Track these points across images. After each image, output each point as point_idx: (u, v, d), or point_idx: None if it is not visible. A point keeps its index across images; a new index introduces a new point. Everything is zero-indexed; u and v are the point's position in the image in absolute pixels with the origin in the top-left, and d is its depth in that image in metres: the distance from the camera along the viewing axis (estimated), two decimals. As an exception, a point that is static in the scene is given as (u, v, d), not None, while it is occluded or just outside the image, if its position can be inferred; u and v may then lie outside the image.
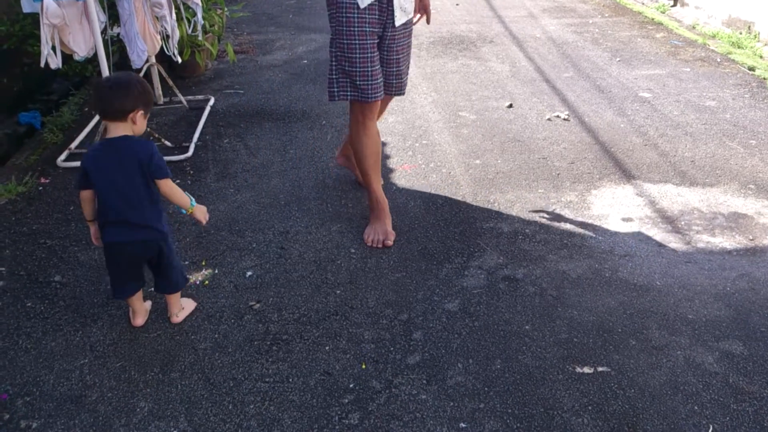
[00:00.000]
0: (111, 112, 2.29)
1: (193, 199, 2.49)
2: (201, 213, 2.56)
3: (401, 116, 4.67)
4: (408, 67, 3.22)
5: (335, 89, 3.01)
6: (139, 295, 2.58)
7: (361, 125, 3.10)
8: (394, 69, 3.11)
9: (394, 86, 3.18)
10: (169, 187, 2.39)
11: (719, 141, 4.21)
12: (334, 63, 2.98)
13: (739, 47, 6.06)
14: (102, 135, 2.39)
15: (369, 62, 2.90)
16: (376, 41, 2.95)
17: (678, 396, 2.24)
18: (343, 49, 2.90)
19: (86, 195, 2.38)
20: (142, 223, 2.36)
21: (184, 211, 2.50)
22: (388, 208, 3.24)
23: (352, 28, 2.83)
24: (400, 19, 2.95)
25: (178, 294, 2.61)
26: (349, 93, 2.99)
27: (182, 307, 2.65)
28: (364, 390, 2.29)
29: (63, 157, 4.03)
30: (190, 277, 2.90)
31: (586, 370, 2.36)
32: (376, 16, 2.88)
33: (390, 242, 3.11)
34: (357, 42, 2.86)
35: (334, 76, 3.00)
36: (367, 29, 2.86)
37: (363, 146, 3.14)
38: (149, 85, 2.42)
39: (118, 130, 2.32)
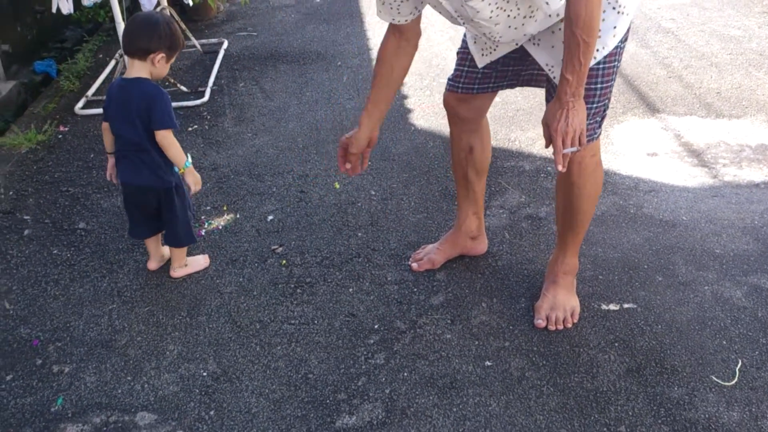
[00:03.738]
0: (133, 50, 2.28)
1: (189, 161, 2.38)
2: (192, 177, 2.40)
3: (418, 55, 4.56)
4: None
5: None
6: (156, 238, 2.59)
7: None
8: None
9: None
10: (164, 138, 2.30)
11: (745, 71, 4.10)
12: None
13: (766, -27, 5.85)
14: (125, 71, 2.36)
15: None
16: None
17: (706, 331, 2.23)
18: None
19: (105, 126, 2.40)
20: (144, 167, 2.35)
21: (176, 170, 2.38)
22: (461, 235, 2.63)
23: None
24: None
25: (183, 249, 2.58)
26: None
27: (185, 264, 2.61)
28: (389, 330, 2.30)
29: (80, 104, 4.01)
30: (212, 222, 2.90)
31: (612, 306, 2.35)
32: None
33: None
34: None
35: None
36: None
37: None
38: (175, 24, 2.34)
39: (137, 69, 2.30)
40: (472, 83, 2.27)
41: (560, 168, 1.88)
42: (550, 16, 1.90)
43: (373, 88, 2.17)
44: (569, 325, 2.27)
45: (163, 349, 2.26)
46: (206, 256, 2.68)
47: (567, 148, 1.86)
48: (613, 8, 1.89)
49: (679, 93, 3.88)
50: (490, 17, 1.88)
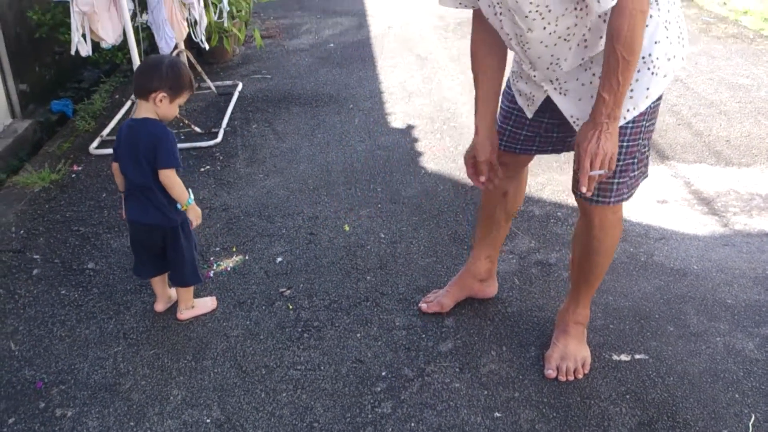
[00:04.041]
0: (137, 90, 2.33)
1: (192, 197, 2.39)
2: (194, 214, 2.42)
3: (428, 98, 4.62)
4: None
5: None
6: (162, 279, 2.59)
7: None
8: None
9: None
10: (167, 177, 2.32)
11: (754, 119, 4.11)
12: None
13: (774, 23, 5.90)
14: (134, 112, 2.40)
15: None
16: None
17: (718, 384, 2.19)
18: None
19: (115, 166, 2.43)
20: (150, 206, 2.37)
21: (179, 206, 2.39)
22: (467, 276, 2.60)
23: None
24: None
25: (189, 290, 2.57)
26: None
27: (192, 305, 2.59)
28: (397, 378, 2.27)
29: (95, 144, 4.05)
30: (221, 263, 2.90)
31: (623, 357, 2.32)
32: None
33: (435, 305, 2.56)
34: None
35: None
36: None
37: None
38: (189, 71, 2.37)
39: (143, 110, 2.34)
40: (515, 143, 2.23)
41: (584, 190, 1.85)
42: (586, 42, 1.84)
43: (478, 88, 2.13)
44: (580, 376, 2.23)
45: (167, 394, 2.23)
46: (214, 298, 2.67)
47: (594, 171, 1.82)
48: (648, 69, 1.86)
49: (689, 140, 3.88)
50: (527, 16, 1.79)
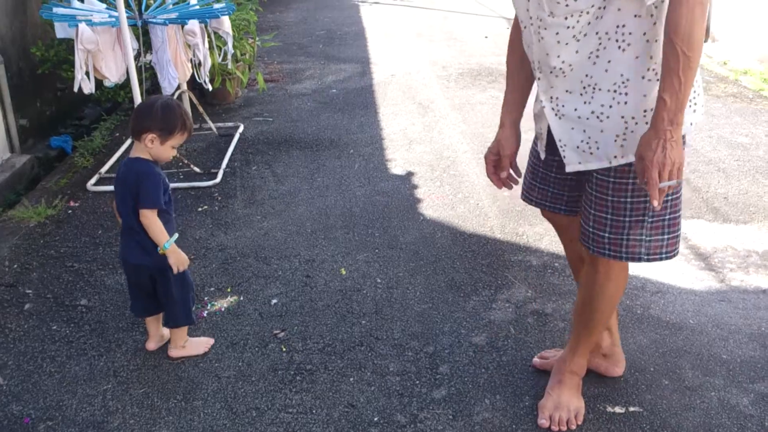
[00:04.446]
0: (131, 130, 2.38)
1: (170, 241, 2.35)
2: (174, 258, 2.36)
3: (429, 146, 4.66)
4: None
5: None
6: (157, 318, 2.57)
7: None
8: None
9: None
10: (145, 217, 2.31)
11: (752, 178, 4.14)
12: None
13: (771, 83, 5.99)
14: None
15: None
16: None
17: (714, 440, 2.17)
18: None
19: (114, 205, 2.46)
20: (136, 245, 2.38)
21: (157, 249, 2.36)
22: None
23: None
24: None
25: (182, 330, 2.54)
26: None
27: (184, 345, 2.56)
28: (389, 424, 2.24)
29: (93, 181, 4.06)
30: (216, 303, 2.88)
31: (618, 409, 2.29)
32: None
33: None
34: None
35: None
36: None
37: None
38: (184, 113, 2.38)
39: (137, 150, 2.37)
40: (543, 199, 2.20)
41: (655, 204, 1.75)
42: (597, 54, 1.79)
43: (508, 78, 2.13)
44: (573, 427, 2.19)
45: (156, 434, 2.20)
46: (210, 339, 2.64)
47: (663, 182, 1.72)
48: (689, 106, 1.81)
49: (687, 196, 3.91)
50: None
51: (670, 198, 1.89)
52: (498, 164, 2.19)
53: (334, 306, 2.88)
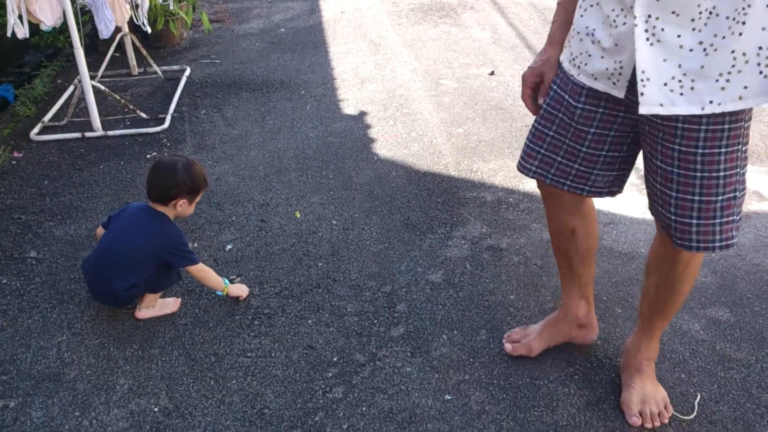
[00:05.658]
0: (152, 197, 2.39)
1: (227, 280, 2.52)
2: (237, 291, 2.54)
3: (381, 85, 4.60)
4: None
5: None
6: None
7: None
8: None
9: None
10: (199, 271, 2.43)
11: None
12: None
13: None
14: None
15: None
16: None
17: (665, 364, 2.23)
18: None
19: (99, 233, 2.56)
20: (104, 282, 2.40)
21: (220, 293, 2.53)
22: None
23: None
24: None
25: (155, 294, 2.49)
26: None
27: (153, 305, 2.49)
28: (348, 363, 2.26)
29: (36, 130, 3.92)
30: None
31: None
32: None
33: None
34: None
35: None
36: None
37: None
38: (201, 168, 2.44)
39: (160, 207, 2.41)
40: (565, 178, 1.88)
41: None
42: None
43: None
44: (665, 421, 2.01)
45: (114, 384, 2.18)
46: (178, 299, 2.56)
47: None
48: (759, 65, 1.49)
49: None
50: None
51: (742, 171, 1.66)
52: (537, 88, 1.92)
53: (290, 249, 2.87)
